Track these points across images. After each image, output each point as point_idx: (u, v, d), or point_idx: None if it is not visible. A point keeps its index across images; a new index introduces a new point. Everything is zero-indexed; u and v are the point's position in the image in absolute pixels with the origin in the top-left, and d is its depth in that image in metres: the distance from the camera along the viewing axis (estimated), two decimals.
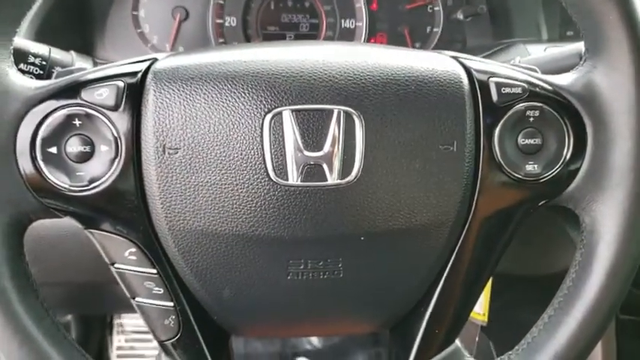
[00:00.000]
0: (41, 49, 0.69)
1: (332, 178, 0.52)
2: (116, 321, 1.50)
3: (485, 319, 0.94)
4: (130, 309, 0.58)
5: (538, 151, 0.56)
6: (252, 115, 0.52)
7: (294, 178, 0.52)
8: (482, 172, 0.55)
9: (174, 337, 0.57)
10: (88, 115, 0.51)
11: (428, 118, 0.54)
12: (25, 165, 0.51)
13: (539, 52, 0.86)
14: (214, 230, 0.53)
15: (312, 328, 0.69)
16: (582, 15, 0.54)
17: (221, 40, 1.03)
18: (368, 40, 1.05)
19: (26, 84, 0.52)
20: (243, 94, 0.52)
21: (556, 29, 1.03)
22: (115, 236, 0.54)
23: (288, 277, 0.55)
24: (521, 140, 0.56)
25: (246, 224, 0.53)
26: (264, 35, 1.04)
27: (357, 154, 0.52)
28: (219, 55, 0.55)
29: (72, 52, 0.74)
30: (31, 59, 0.67)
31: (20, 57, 0.66)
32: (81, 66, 0.71)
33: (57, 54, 0.70)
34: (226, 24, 1.03)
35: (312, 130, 0.52)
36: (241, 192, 0.52)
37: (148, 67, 0.54)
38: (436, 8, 1.07)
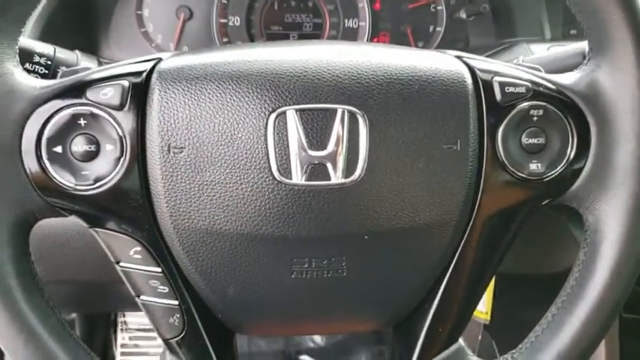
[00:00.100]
0: (46, 48, 0.69)
1: (336, 178, 0.52)
2: (120, 319, 1.51)
3: (488, 318, 0.94)
4: (134, 307, 0.58)
5: (542, 151, 0.56)
6: (257, 114, 0.52)
7: (298, 177, 0.52)
8: (485, 171, 0.55)
9: (178, 336, 0.57)
10: (93, 115, 0.52)
11: (431, 117, 0.54)
12: (31, 164, 0.51)
13: (543, 51, 0.86)
14: (219, 229, 0.53)
15: (315, 327, 0.69)
16: (586, 14, 0.54)
17: (225, 40, 1.03)
18: (371, 39, 1.06)
19: (31, 83, 0.52)
20: (247, 94, 0.52)
21: (559, 28, 1.03)
22: (120, 235, 0.54)
23: (292, 276, 0.55)
24: (524, 139, 0.56)
25: (250, 223, 0.53)
26: (268, 35, 1.04)
27: (360, 153, 0.52)
28: (224, 54, 0.55)
29: (77, 51, 0.74)
30: (37, 59, 0.67)
31: (25, 56, 0.66)
32: (86, 65, 0.72)
33: (62, 53, 0.70)
34: (230, 23, 1.03)
35: (316, 130, 0.52)
36: (245, 191, 0.52)
37: (153, 67, 0.54)
38: (439, 7, 1.07)
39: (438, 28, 1.08)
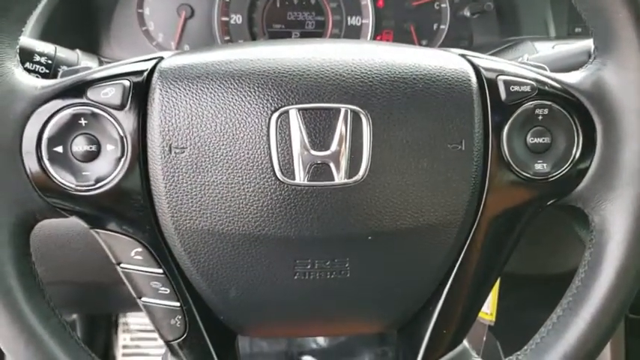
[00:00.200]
0: (47, 48, 0.69)
1: (339, 178, 0.52)
2: (121, 320, 1.50)
3: (493, 319, 0.93)
4: (135, 308, 0.58)
5: (547, 150, 0.56)
6: (259, 114, 0.51)
7: (300, 177, 0.51)
8: (490, 171, 0.55)
9: (180, 337, 0.57)
10: (94, 115, 0.51)
11: (436, 116, 0.53)
12: (31, 164, 0.51)
13: (547, 49, 0.85)
14: (221, 230, 0.53)
15: (318, 329, 0.69)
16: (592, 13, 0.54)
17: (227, 38, 1.02)
18: (374, 37, 1.05)
19: (32, 83, 0.52)
20: (249, 93, 0.52)
21: (564, 26, 1.03)
22: (121, 236, 0.53)
23: (295, 277, 0.55)
24: (530, 139, 0.55)
25: (252, 224, 0.52)
26: (270, 33, 1.04)
27: (364, 153, 0.52)
28: (226, 53, 0.55)
29: (77, 50, 0.74)
30: (37, 58, 0.67)
31: (26, 56, 0.66)
32: (87, 65, 0.71)
33: (62, 53, 0.70)
34: (232, 22, 1.02)
35: (319, 129, 0.51)
36: (248, 191, 0.52)
37: (154, 66, 0.54)
38: (443, 5, 1.07)
39: (441, 26, 1.07)
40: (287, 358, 1.43)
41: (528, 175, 0.55)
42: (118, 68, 0.54)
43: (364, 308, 0.60)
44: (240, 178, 0.52)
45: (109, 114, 0.51)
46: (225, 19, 1.02)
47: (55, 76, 0.67)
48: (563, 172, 0.56)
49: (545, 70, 0.59)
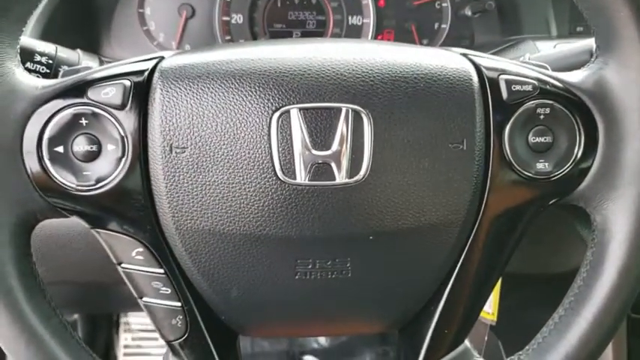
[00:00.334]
0: (47, 47, 0.68)
1: (340, 177, 0.52)
2: (123, 319, 1.50)
3: (495, 319, 0.93)
4: (136, 307, 0.58)
5: (549, 149, 0.55)
6: (260, 113, 0.51)
7: (301, 177, 0.51)
8: (492, 170, 0.55)
9: (181, 337, 0.56)
10: (94, 114, 0.51)
11: (437, 116, 0.53)
12: (32, 164, 0.51)
13: (549, 48, 0.85)
14: (222, 230, 0.53)
15: (320, 328, 0.69)
16: (593, 12, 0.54)
17: (227, 38, 1.02)
18: (375, 37, 1.05)
19: (33, 83, 0.52)
20: (250, 93, 0.51)
21: (565, 25, 1.02)
22: (122, 236, 0.53)
23: (296, 277, 0.55)
24: (531, 138, 0.55)
25: (253, 223, 0.52)
26: (271, 33, 1.04)
27: (365, 152, 0.52)
28: (226, 53, 0.55)
29: (78, 50, 0.74)
30: (38, 58, 0.67)
31: (27, 56, 0.66)
32: (87, 64, 0.71)
33: (63, 52, 0.70)
34: (233, 21, 1.02)
35: (320, 129, 0.51)
36: (249, 191, 0.52)
37: (155, 66, 0.54)
38: (444, 4, 1.07)
39: (443, 25, 1.07)
40: (288, 358, 1.43)
41: (530, 175, 0.55)
42: (119, 68, 0.54)
43: (365, 308, 0.60)
44: (241, 178, 0.52)
45: (109, 114, 0.51)
46: (226, 18, 1.02)
47: (55, 76, 0.67)
48: (565, 172, 0.56)
49: (547, 69, 0.59)
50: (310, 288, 0.55)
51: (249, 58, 0.53)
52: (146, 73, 0.53)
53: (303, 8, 1.04)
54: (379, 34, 1.05)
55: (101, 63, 0.76)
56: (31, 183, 0.51)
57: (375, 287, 0.57)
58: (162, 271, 0.54)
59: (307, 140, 0.51)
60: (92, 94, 0.51)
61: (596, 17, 0.54)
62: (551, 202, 0.57)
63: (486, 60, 0.57)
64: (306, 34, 1.04)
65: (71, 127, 0.51)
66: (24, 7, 0.52)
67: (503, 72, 0.56)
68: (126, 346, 1.52)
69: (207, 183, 0.52)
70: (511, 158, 0.55)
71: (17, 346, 0.51)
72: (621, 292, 0.54)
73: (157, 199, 0.52)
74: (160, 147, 0.51)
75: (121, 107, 0.51)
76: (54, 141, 0.51)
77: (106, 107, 0.51)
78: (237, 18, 1.02)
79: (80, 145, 0.51)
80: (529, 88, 0.55)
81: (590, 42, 0.70)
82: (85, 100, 0.51)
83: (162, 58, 0.55)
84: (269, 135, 0.51)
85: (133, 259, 0.54)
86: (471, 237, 0.56)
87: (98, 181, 0.51)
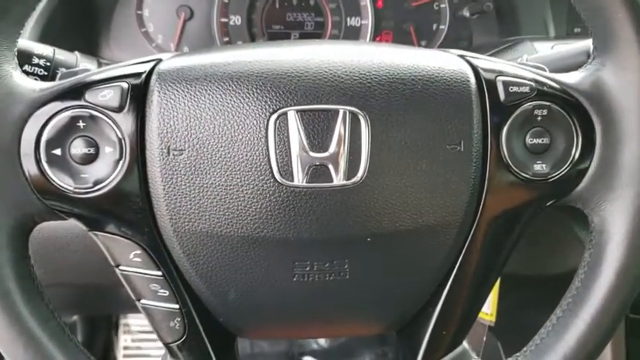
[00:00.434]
0: (45, 50, 0.68)
1: (338, 179, 0.52)
2: (122, 321, 1.50)
3: (493, 320, 0.93)
4: (136, 309, 0.58)
5: (546, 151, 0.55)
6: (257, 115, 0.51)
7: (299, 179, 0.51)
8: (489, 171, 0.55)
9: (179, 340, 0.56)
10: (92, 117, 0.51)
11: (434, 117, 0.53)
12: (30, 167, 0.51)
13: (547, 49, 0.85)
14: (219, 232, 0.53)
15: (317, 330, 0.69)
16: (591, 13, 0.54)
17: (226, 39, 1.02)
18: (373, 38, 1.05)
19: (30, 86, 0.52)
20: (247, 95, 0.51)
21: (563, 26, 1.02)
22: (119, 238, 0.53)
23: (294, 279, 0.55)
24: (529, 140, 0.55)
25: (251, 226, 0.52)
26: (269, 34, 1.04)
27: (362, 154, 0.52)
28: (224, 55, 0.55)
29: (76, 52, 0.74)
30: (36, 60, 0.67)
31: (24, 58, 0.66)
32: (85, 67, 0.71)
33: (61, 55, 0.70)
34: (231, 23, 1.02)
35: (318, 131, 0.51)
36: (246, 193, 0.52)
37: (152, 68, 0.54)
38: (442, 5, 1.07)
39: (441, 27, 1.07)
40: (288, 359, 1.43)
41: (527, 176, 0.55)
42: (116, 70, 0.54)
43: (363, 310, 0.60)
44: (239, 180, 0.52)
45: (107, 116, 0.51)
46: (224, 20, 1.02)
47: (53, 79, 0.67)
48: (563, 173, 0.56)
49: (545, 70, 0.59)
50: (308, 290, 0.55)
51: (247, 60, 0.54)
52: (143, 76, 0.53)
53: (302, 10, 1.04)
54: (377, 35, 1.05)
55: (99, 65, 0.76)
56: (28, 185, 0.51)
57: (372, 289, 0.57)
58: (160, 273, 0.54)
59: (305, 142, 0.51)
60: (90, 96, 0.51)
61: (593, 18, 0.54)
62: (548, 204, 0.57)
63: (484, 61, 0.57)
64: (305, 36, 1.04)
65: (69, 129, 0.51)
66: (21, 10, 0.52)
67: (501, 73, 0.56)
68: (125, 348, 1.52)
69: (205, 185, 0.52)
70: (508, 160, 0.55)
71: (15, 348, 0.51)
72: (619, 293, 0.54)
73: (155, 201, 0.52)
74: (157, 149, 0.51)
75: (119, 110, 0.51)
76: (51, 143, 0.51)
77: (103, 110, 0.51)
78: (236, 19, 1.02)
79: (78, 147, 0.51)
80: (526, 89, 0.55)
81: (587, 43, 0.70)
82: (82, 102, 0.51)
83: (160, 60, 0.55)
84: (266, 137, 0.51)
85: (130, 261, 0.54)
86: (469, 238, 0.56)
87: (96, 183, 0.51)
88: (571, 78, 0.56)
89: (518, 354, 0.58)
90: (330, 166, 0.51)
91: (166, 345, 0.57)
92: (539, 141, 0.55)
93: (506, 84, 0.55)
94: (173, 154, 0.51)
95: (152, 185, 0.52)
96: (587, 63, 0.56)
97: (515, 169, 0.55)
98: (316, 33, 1.05)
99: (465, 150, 0.54)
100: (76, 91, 0.52)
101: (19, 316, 0.51)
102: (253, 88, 0.52)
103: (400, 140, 0.53)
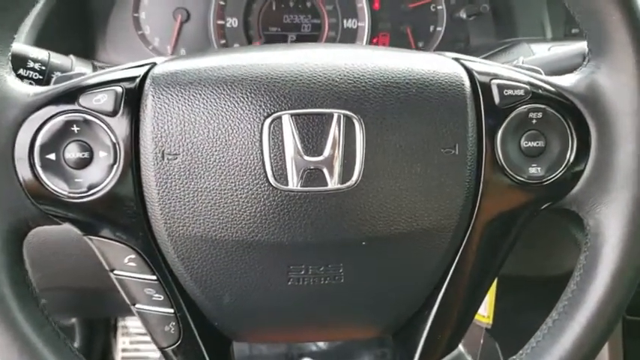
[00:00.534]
0: (40, 54, 0.68)
1: (332, 183, 0.52)
2: (120, 323, 1.50)
3: (490, 322, 0.93)
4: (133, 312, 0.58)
5: (541, 154, 0.55)
6: (252, 119, 0.51)
7: (294, 183, 0.51)
8: (484, 175, 0.55)
9: (174, 344, 0.56)
10: (86, 121, 0.51)
11: (429, 120, 0.53)
12: (24, 172, 0.51)
13: (544, 51, 0.85)
14: (214, 236, 0.52)
15: (313, 334, 0.69)
16: (585, 15, 0.54)
17: (222, 42, 1.02)
18: (370, 40, 1.05)
19: (24, 90, 0.52)
20: (242, 99, 0.51)
21: (561, 27, 1.02)
22: (114, 243, 0.53)
23: (289, 283, 0.54)
24: (524, 143, 0.55)
25: (246, 230, 0.52)
26: (266, 36, 1.03)
27: (357, 158, 0.52)
28: (218, 59, 0.55)
29: (71, 56, 0.74)
30: (31, 64, 0.67)
31: (20, 62, 0.66)
32: (80, 71, 0.71)
33: (56, 59, 0.70)
34: (228, 25, 1.02)
35: (312, 135, 0.51)
36: (241, 197, 0.52)
37: (147, 72, 0.54)
38: (439, 7, 1.07)
39: (438, 28, 1.07)
40: None
41: (522, 179, 0.55)
42: (111, 74, 0.53)
43: (358, 314, 0.60)
44: (233, 184, 0.51)
45: (101, 120, 0.51)
46: (221, 22, 1.02)
47: (48, 83, 0.67)
48: (558, 176, 0.56)
49: (540, 73, 0.59)
50: (303, 294, 0.55)
51: (241, 64, 0.53)
52: (138, 80, 0.53)
53: (298, 12, 1.04)
54: (374, 37, 1.05)
55: (94, 69, 0.76)
56: (22, 190, 0.51)
57: (367, 293, 0.57)
58: (154, 277, 0.54)
59: (299, 146, 0.51)
60: (84, 101, 0.51)
61: (588, 21, 0.54)
62: (544, 207, 0.57)
63: (478, 64, 0.57)
64: (302, 38, 1.04)
65: (63, 134, 0.51)
66: (15, 15, 0.51)
67: (496, 76, 0.56)
68: (124, 350, 1.52)
69: (199, 189, 0.52)
70: (503, 163, 0.55)
71: (10, 354, 0.51)
72: (614, 296, 0.54)
73: (149, 205, 0.52)
74: (151, 154, 0.51)
75: (113, 114, 0.51)
76: (46, 148, 0.51)
77: (97, 114, 0.51)
78: (232, 22, 1.02)
79: (72, 152, 0.51)
80: (521, 92, 0.55)
81: (584, 45, 0.69)
82: (76, 107, 0.51)
83: (155, 64, 0.55)
84: (261, 141, 0.51)
85: (125, 265, 0.54)
86: (464, 242, 0.56)
87: (90, 188, 0.51)
88: (566, 81, 0.56)
89: (514, 357, 0.58)
90: (325, 170, 0.51)
91: (161, 350, 0.57)
92: (534, 144, 0.55)
93: (500, 87, 0.55)
94: (167, 159, 0.51)
95: (146, 190, 0.52)
96: (582, 65, 0.56)
97: (511, 172, 0.55)
98: (313, 35, 1.05)
99: (460, 153, 0.54)
100: (70, 96, 0.52)
101: (14, 322, 0.51)
102: (248, 92, 0.52)
103: (395, 144, 0.53)
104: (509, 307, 1.02)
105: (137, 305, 0.56)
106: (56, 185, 0.51)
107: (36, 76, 0.66)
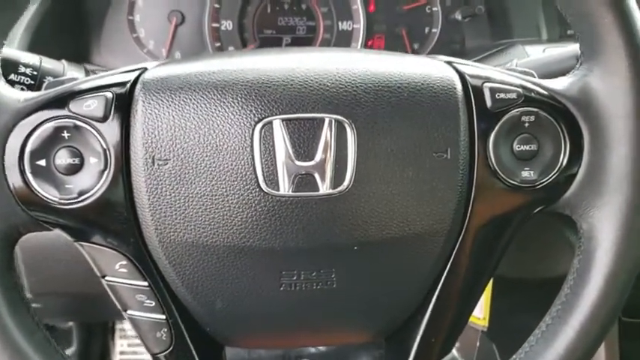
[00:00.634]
0: (32, 59, 0.68)
1: (324, 188, 0.51)
2: (118, 326, 1.50)
3: (486, 324, 0.93)
4: None
5: (534, 157, 0.55)
6: (242, 124, 0.51)
7: (285, 188, 0.51)
8: (477, 179, 0.54)
9: (166, 350, 0.56)
10: (76, 127, 0.51)
11: (421, 125, 0.53)
12: (14, 178, 0.50)
13: (539, 52, 0.85)
14: (205, 242, 0.52)
15: (305, 339, 0.68)
16: (578, 18, 0.53)
17: (217, 45, 1.02)
18: (365, 42, 1.05)
19: (14, 96, 0.51)
20: (232, 104, 0.51)
21: (556, 29, 1.02)
22: (105, 249, 0.53)
23: (281, 288, 0.54)
24: (516, 146, 0.55)
25: (237, 235, 0.52)
26: (261, 39, 1.03)
27: (349, 163, 0.52)
28: (209, 64, 0.54)
29: (63, 61, 0.73)
30: (22, 69, 0.66)
31: (11, 67, 0.65)
32: (72, 75, 0.71)
33: (48, 63, 0.70)
34: (222, 28, 1.02)
35: (303, 140, 0.51)
36: (232, 203, 0.51)
37: (137, 77, 0.53)
38: (434, 9, 1.06)
39: (433, 30, 1.07)
40: None
41: (515, 183, 0.55)
42: (101, 80, 0.53)
43: (351, 318, 0.59)
44: (224, 190, 0.51)
45: (91, 126, 0.51)
46: (215, 25, 1.02)
47: (40, 88, 0.67)
48: (551, 179, 0.55)
49: (533, 76, 0.58)
50: (295, 299, 0.55)
51: (232, 69, 0.53)
52: (128, 85, 0.53)
53: (293, 14, 1.03)
54: (369, 39, 1.05)
55: (87, 73, 0.75)
56: (13, 197, 0.51)
57: (360, 297, 0.57)
58: (146, 283, 0.54)
59: (290, 151, 0.51)
60: (74, 106, 0.51)
61: (580, 24, 0.54)
62: (536, 210, 0.57)
63: (470, 68, 0.57)
64: (296, 40, 1.04)
65: (53, 140, 0.51)
66: (4, 21, 0.51)
67: (488, 80, 0.55)
68: (122, 353, 1.52)
69: (190, 195, 0.51)
70: (496, 166, 0.55)
71: None
72: (608, 299, 0.54)
73: (140, 211, 0.52)
74: (142, 159, 0.51)
75: (103, 120, 0.51)
76: (36, 154, 0.51)
77: (87, 120, 0.51)
78: (227, 24, 1.02)
79: (62, 158, 0.51)
80: (513, 95, 0.55)
81: (577, 47, 0.70)
82: (67, 112, 0.51)
83: (145, 69, 0.55)
84: (252, 146, 0.51)
85: (116, 271, 0.54)
86: (457, 246, 0.56)
87: (81, 194, 0.51)
88: (558, 84, 0.56)
89: None
90: (316, 175, 0.51)
91: (153, 355, 0.57)
92: (527, 147, 0.55)
93: (493, 90, 0.55)
94: (158, 164, 0.51)
95: (137, 195, 0.52)
96: (574, 68, 0.56)
97: (503, 175, 0.55)
98: (308, 37, 1.04)
99: (452, 157, 0.53)
100: (60, 101, 0.51)
101: (4, 329, 0.51)
102: (238, 97, 0.51)
103: (386, 148, 0.52)
104: (506, 309, 1.01)
105: (129, 311, 0.55)
106: (47, 191, 0.51)
107: (27, 81, 0.66)
